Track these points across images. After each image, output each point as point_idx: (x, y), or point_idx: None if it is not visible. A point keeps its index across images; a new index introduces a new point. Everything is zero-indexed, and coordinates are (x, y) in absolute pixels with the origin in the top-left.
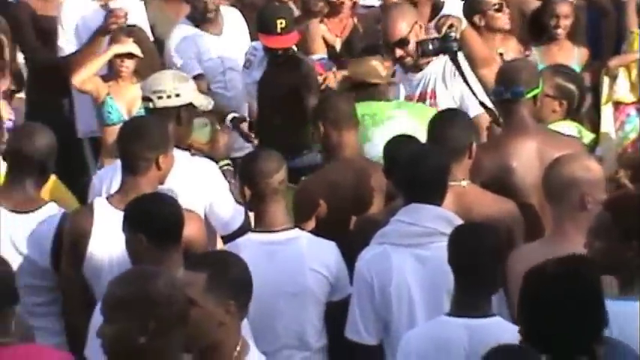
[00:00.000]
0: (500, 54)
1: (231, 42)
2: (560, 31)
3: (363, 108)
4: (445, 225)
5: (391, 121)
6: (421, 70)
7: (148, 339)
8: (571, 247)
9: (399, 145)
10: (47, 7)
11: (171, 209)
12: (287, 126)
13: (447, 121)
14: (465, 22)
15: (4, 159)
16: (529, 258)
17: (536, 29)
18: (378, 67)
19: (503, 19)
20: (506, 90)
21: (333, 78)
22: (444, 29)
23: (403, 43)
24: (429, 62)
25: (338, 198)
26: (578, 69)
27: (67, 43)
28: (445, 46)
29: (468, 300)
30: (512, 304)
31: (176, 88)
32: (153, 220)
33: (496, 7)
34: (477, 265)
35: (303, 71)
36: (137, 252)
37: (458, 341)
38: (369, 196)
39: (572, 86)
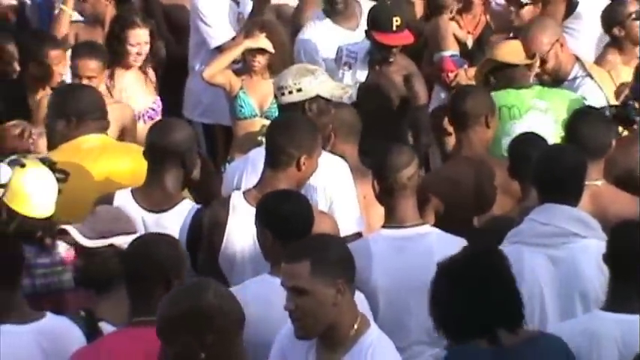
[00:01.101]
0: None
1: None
2: None
3: (501, 98)
4: (580, 226)
5: (530, 114)
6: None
7: (208, 352)
8: None
9: (527, 143)
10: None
11: (300, 209)
12: (391, 127)
13: (587, 120)
14: None
15: (144, 155)
16: None
17: None
18: (519, 48)
19: None
20: None
21: (464, 75)
22: (622, 97)
23: (542, 61)
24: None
25: (458, 195)
26: None
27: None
28: (625, 113)
29: (622, 295)
30: None
31: (297, 83)
32: (279, 218)
33: (634, 15)
34: (632, 263)
35: (413, 76)
36: (265, 247)
37: (611, 336)
38: (491, 193)
39: None
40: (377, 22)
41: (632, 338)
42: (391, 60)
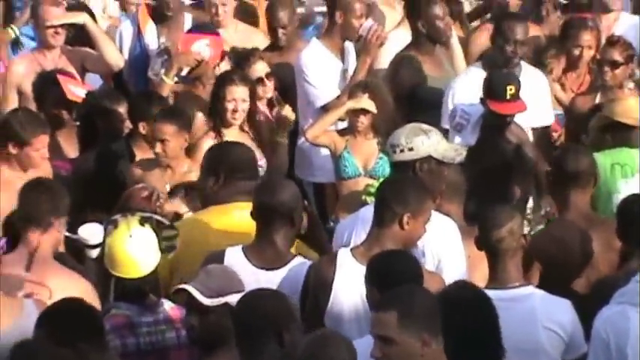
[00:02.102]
0: None
1: None
2: None
3: (614, 156)
4: None
5: None
6: None
7: None
8: None
9: (634, 204)
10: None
11: (409, 269)
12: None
13: None
14: None
15: (252, 214)
16: None
17: None
18: (636, 107)
19: None
20: None
21: (563, 133)
22: None
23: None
24: None
25: (565, 257)
26: None
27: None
28: None
29: None
30: None
31: (409, 142)
32: (387, 277)
33: None
34: None
35: (524, 143)
36: (372, 306)
37: None
38: (596, 253)
39: None
40: (492, 90)
41: None
42: (504, 128)
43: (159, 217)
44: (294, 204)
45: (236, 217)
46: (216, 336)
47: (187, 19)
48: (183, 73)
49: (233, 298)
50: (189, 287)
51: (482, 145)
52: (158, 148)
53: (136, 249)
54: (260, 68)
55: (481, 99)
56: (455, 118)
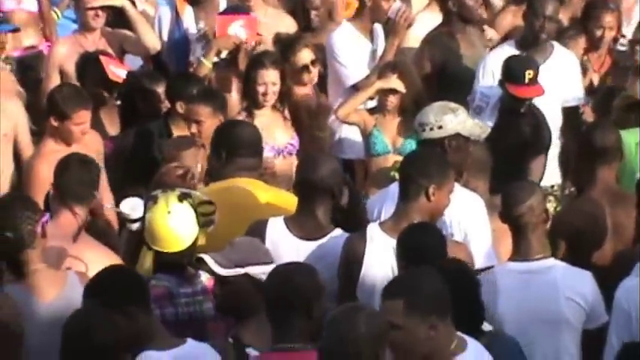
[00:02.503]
0: None
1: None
2: None
3: (636, 135)
4: None
5: None
6: None
7: None
8: None
9: None
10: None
11: (433, 241)
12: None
13: None
14: None
15: (295, 188)
16: None
17: None
18: None
19: None
20: None
21: (589, 112)
22: None
23: None
24: None
25: (594, 229)
26: None
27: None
28: None
29: None
30: None
31: (438, 121)
32: (416, 251)
33: None
34: None
35: (540, 124)
36: None
37: None
38: (628, 227)
39: None
40: (510, 73)
41: None
42: (522, 111)
43: (197, 193)
44: (334, 179)
45: (234, 192)
46: (239, 306)
47: (222, 1)
48: (223, 55)
49: (255, 270)
50: (205, 257)
51: (500, 128)
52: (194, 128)
53: (174, 224)
54: (305, 56)
55: (500, 82)
56: (475, 100)
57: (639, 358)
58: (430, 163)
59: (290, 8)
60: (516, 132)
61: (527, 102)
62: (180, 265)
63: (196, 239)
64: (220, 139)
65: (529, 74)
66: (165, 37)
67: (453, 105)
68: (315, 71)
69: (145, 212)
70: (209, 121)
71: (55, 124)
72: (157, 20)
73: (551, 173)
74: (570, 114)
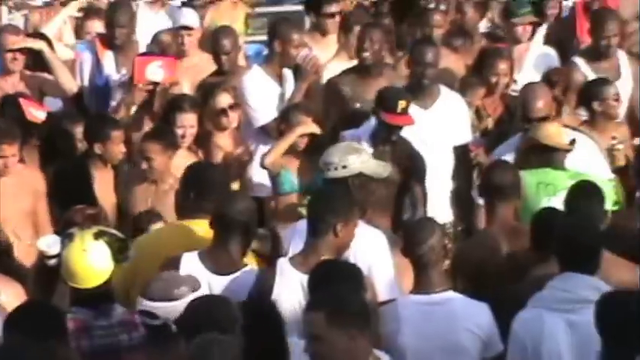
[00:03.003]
0: (614, 137)
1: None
2: None
3: (539, 175)
4: (597, 294)
5: (564, 192)
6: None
7: None
8: None
9: (552, 217)
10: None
11: (349, 275)
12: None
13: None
14: None
15: (211, 223)
16: None
17: None
18: (559, 132)
19: (618, 108)
20: None
21: (483, 154)
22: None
23: (543, 121)
24: None
25: (491, 263)
26: None
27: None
28: None
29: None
30: None
31: (342, 160)
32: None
33: (615, 97)
34: (622, 330)
35: (413, 153)
36: None
37: None
38: (523, 261)
39: None
40: (384, 103)
41: None
42: (394, 139)
43: (113, 231)
44: (249, 216)
45: (193, 232)
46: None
47: (142, 46)
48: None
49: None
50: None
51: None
52: (144, 165)
53: (89, 261)
54: (223, 99)
55: (373, 110)
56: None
57: None
58: (336, 201)
59: None
60: (392, 160)
61: (398, 130)
62: (96, 299)
63: (112, 274)
64: (191, 180)
65: (402, 104)
66: (86, 82)
67: (356, 145)
68: (233, 115)
69: (62, 249)
70: (159, 158)
71: None
72: (78, 65)
73: (443, 211)
74: (460, 154)
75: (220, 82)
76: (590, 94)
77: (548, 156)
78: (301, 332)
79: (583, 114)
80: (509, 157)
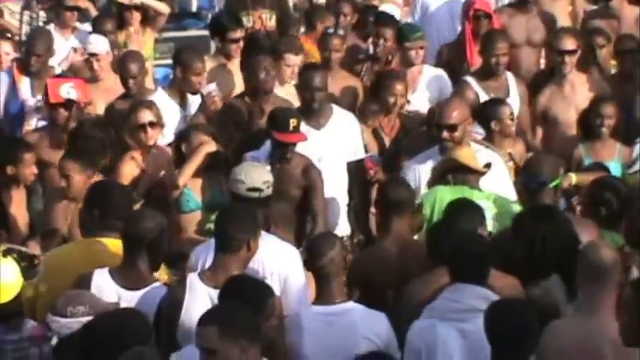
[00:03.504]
0: (509, 153)
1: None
2: (604, 129)
3: (456, 192)
4: (485, 304)
5: None
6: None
7: None
8: (606, 321)
9: (443, 231)
10: None
11: (255, 291)
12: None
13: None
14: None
15: (122, 240)
16: (567, 330)
17: (583, 128)
18: (474, 156)
19: (513, 126)
20: (532, 181)
21: (380, 172)
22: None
23: (453, 128)
24: None
25: (384, 273)
26: (619, 165)
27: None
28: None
29: None
30: None
31: (270, 179)
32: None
33: (511, 116)
34: (511, 337)
35: (309, 169)
36: None
37: None
38: (414, 271)
39: (608, 195)
40: (276, 122)
41: None
42: (288, 156)
43: (21, 248)
44: (158, 234)
45: (98, 250)
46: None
47: (57, 70)
48: None
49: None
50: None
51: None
52: (63, 182)
53: None
54: (143, 115)
55: (266, 131)
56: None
57: None
58: (247, 218)
59: None
60: (289, 175)
61: (293, 147)
62: (6, 315)
63: (21, 289)
64: (94, 199)
65: (293, 122)
66: (1, 105)
67: (257, 163)
68: (152, 133)
69: None
70: (77, 177)
71: None
72: None
73: (341, 225)
74: (354, 169)
75: (143, 102)
76: (488, 114)
77: (464, 177)
78: None
79: (480, 132)
80: (426, 167)
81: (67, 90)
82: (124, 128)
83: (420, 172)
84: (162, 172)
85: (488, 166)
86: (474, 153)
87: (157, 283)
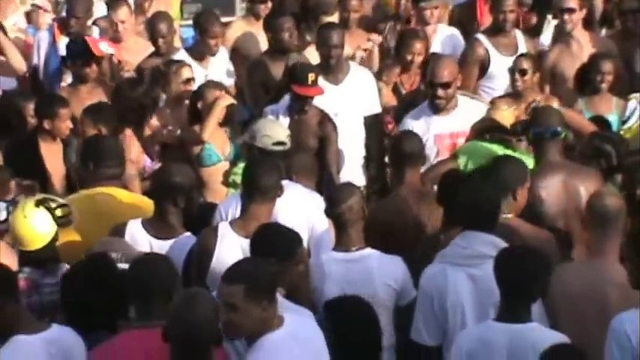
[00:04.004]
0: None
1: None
2: (603, 85)
3: (493, 148)
4: (494, 249)
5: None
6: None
7: None
8: (611, 266)
9: (454, 180)
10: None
11: (288, 239)
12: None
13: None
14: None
15: (153, 193)
16: (574, 275)
17: (582, 83)
18: (511, 116)
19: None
20: (546, 131)
21: (393, 125)
22: (533, 106)
23: (447, 86)
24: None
25: (401, 222)
26: (617, 118)
27: None
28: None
29: (510, 309)
30: (554, 315)
31: (285, 136)
32: (271, 248)
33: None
34: (518, 282)
35: (325, 121)
36: None
37: (500, 342)
38: (430, 220)
39: (608, 147)
40: (296, 76)
41: (518, 344)
42: (306, 109)
43: (54, 198)
44: (188, 185)
45: (98, 199)
46: None
47: (95, 31)
48: None
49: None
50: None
51: (291, 128)
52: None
53: (30, 227)
54: (185, 72)
55: (286, 84)
56: (267, 114)
57: None
58: (274, 170)
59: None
60: (306, 126)
61: (310, 101)
62: (42, 260)
63: (55, 237)
64: (88, 151)
65: (311, 77)
66: (42, 59)
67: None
68: (190, 88)
69: (8, 216)
70: (89, 131)
71: None
72: (35, 45)
73: (357, 176)
74: (371, 123)
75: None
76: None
77: (501, 136)
78: None
79: (490, 86)
80: (419, 123)
81: (105, 47)
82: (161, 84)
83: (413, 127)
84: (179, 131)
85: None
86: (511, 116)
87: (186, 233)
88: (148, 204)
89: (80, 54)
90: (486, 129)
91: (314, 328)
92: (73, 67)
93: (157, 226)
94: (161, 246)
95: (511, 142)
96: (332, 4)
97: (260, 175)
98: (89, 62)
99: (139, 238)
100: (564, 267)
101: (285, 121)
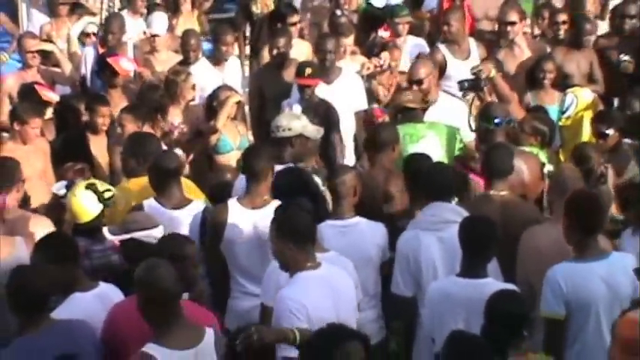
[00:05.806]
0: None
1: (338, 92)
2: (545, 81)
3: (405, 129)
4: (457, 215)
5: (423, 140)
6: (425, 109)
7: None
8: None
9: (418, 161)
10: None
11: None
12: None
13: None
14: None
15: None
16: (540, 236)
17: (531, 80)
18: (415, 96)
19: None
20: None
21: (387, 119)
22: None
23: (419, 82)
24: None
25: (373, 195)
26: (557, 109)
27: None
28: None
29: (471, 267)
30: (523, 271)
31: (288, 124)
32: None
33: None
34: (476, 244)
35: (329, 109)
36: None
37: (461, 294)
38: (395, 193)
39: (544, 127)
40: (297, 71)
41: (475, 295)
42: (307, 97)
43: (101, 183)
44: (181, 166)
45: (146, 184)
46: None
47: (129, 45)
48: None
49: (138, 234)
50: (104, 228)
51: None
52: (119, 130)
53: (80, 204)
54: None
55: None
56: (284, 106)
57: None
58: (268, 155)
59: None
60: (313, 114)
61: (309, 90)
62: (92, 230)
63: (101, 213)
64: (138, 148)
65: (308, 70)
66: (89, 69)
67: (297, 113)
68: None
69: (66, 194)
70: (129, 125)
71: (17, 128)
72: (83, 59)
73: (347, 162)
74: (359, 118)
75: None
76: None
77: (410, 114)
78: (250, 255)
79: (451, 85)
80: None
81: (125, 64)
82: (173, 89)
83: None
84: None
85: (425, 102)
86: (417, 94)
87: (195, 202)
88: (189, 185)
89: (104, 69)
90: (397, 111)
91: (346, 279)
92: (104, 77)
93: (169, 199)
94: (177, 215)
95: (418, 118)
96: (348, 28)
97: (250, 161)
98: (115, 74)
99: (156, 212)
100: (534, 228)
101: (297, 109)
